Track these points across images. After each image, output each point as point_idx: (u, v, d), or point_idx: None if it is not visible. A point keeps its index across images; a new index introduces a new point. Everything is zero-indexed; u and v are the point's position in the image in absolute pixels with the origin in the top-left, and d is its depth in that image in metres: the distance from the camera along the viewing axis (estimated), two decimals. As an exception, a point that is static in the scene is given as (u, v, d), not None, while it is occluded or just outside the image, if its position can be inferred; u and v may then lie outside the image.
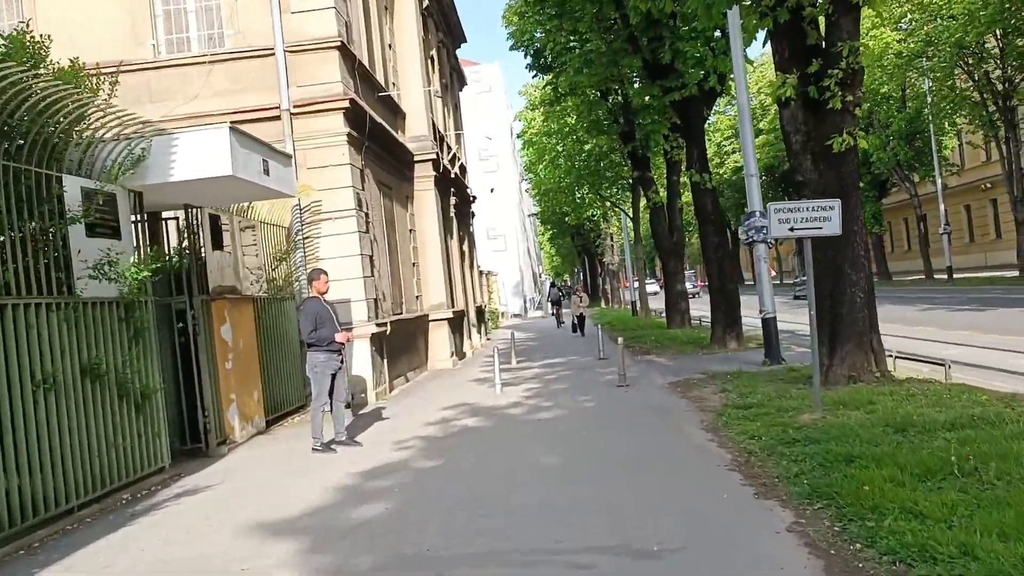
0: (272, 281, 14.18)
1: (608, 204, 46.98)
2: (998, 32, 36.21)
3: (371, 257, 16.19)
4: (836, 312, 11.89)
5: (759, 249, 16.29)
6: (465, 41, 33.00)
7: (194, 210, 11.12)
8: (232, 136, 9.47)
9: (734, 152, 60.86)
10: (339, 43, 15.25)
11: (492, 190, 56.51)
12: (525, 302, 62.03)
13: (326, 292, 10.70)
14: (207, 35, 15.73)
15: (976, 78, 38.34)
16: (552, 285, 51.33)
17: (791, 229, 9.64)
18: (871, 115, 47.15)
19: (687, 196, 29.08)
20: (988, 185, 49.74)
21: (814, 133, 11.94)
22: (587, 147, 37.37)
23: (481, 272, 39.74)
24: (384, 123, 18.15)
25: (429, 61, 24.96)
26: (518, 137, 51.05)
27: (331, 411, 10.72)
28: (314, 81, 15.33)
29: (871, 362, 11.94)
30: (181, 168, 9.38)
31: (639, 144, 28.79)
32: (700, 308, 34.49)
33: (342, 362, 10.69)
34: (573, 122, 35.99)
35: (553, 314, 41.34)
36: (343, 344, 10.58)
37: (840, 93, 11.37)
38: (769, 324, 16.20)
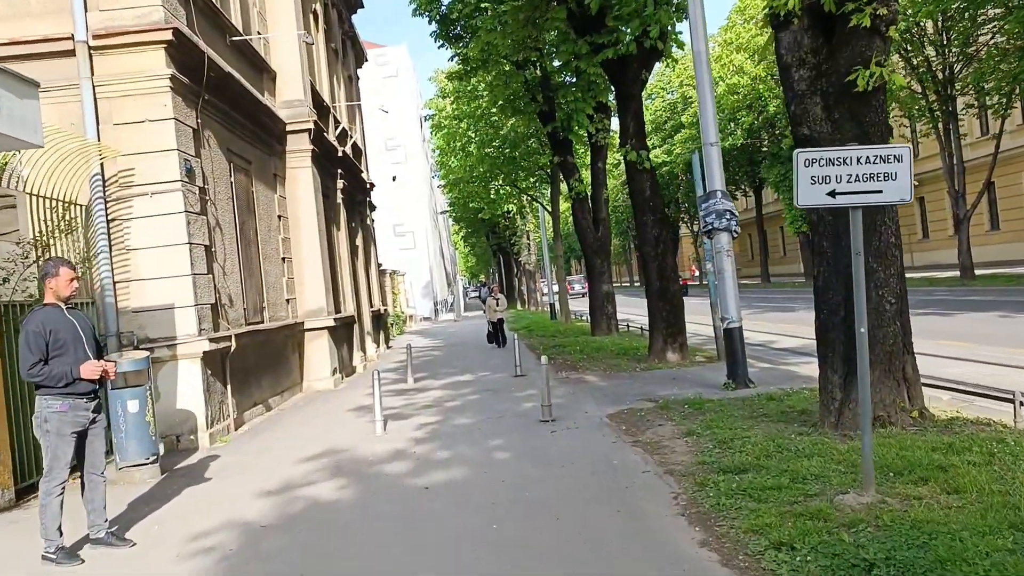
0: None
1: (525, 198, 43.21)
2: (938, 16, 33.74)
3: (208, 248, 11.99)
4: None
5: (720, 240, 12.64)
6: (362, 6, 28.78)
7: None
8: None
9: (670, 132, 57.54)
10: (157, -48, 11.04)
11: (394, 178, 52.12)
12: (436, 305, 57.86)
13: (72, 296, 6.52)
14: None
15: (915, 65, 35.81)
16: (482, 285, 47.14)
17: (832, 194, 5.88)
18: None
19: (614, 182, 25.50)
20: (916, 183, 47.65)
21: (827, 65, 8.26)
22: (502, 132, 33.54)
23: (384, 272, 35.55)
24: (238, 76, 13.94)
25: (312, 16, 20.74)
26: (426, 120, 46.89)
27: (83, 493, 6.59)
28: (124, 4, 11.08)
29: (903, 396, 8.35)
30: None
31: (560, 125, 25.08)
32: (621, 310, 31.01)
33: (98, 411, 6.55)
34: (486, 104, 32.10)
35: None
36: (96, 383, 6.44)
37: (869, 3, 7.73)
38: (734, 336, 12.57)
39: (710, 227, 12.57)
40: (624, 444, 9.11)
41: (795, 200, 5.96)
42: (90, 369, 6.28)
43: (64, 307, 6.46)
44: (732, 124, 50.67)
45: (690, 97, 55.32)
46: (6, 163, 9.31)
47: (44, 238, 9.40)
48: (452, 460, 8.99)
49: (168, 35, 10.99)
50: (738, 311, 12.64)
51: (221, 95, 13.13)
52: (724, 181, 12.79)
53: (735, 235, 12.62)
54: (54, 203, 10.12)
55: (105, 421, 6.66)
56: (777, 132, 49.69)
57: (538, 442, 9.59)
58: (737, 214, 12.72)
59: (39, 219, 9.71)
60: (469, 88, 32.89)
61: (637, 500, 6.80)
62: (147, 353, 9.50)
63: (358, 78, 30.90)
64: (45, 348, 6.21)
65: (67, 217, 10.53)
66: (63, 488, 6.33)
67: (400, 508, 7.19)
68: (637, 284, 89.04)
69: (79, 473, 6.60)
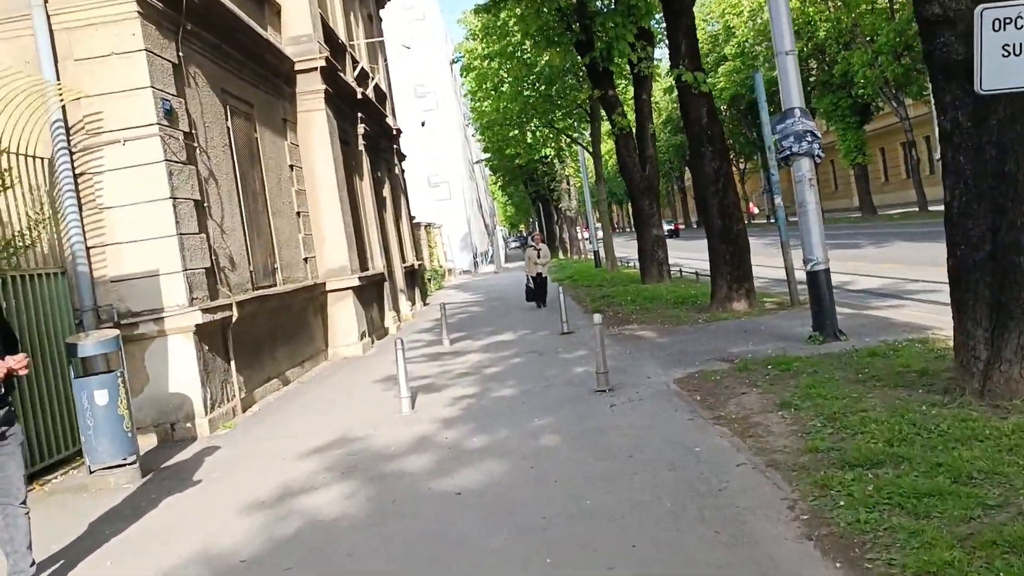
0: (8, 247, 8.26)
1: (563, 140, 40.98)
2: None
3: (199, 203, 10.27)
4: (1003, 268, 6.32)
5: (801, 167, 10.63)
6: (379, -64, 26.67)
7: None
8: None
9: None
10: None
11: (423, 123, 50.03)
12: (475, 257, 56.06)
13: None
14: None
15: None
16: (522, 236, 44.58)
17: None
18: (855, 27, 41.62)
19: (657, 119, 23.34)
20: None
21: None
22: (536, 69, 31.38)
23: (418, 225, 33.80)
24: (230, 4, 12.10)
25: (320, -56, 18.74)
26: (454, 64, 44.67)
27: (-4, 525, 4.94)
28: (76, -86, 9.26)
29: (1070, 353, 6.40)
30: None
31: (599, 56, 22.84)
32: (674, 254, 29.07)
33: (8, 423, 4.86)
34: (517, 39, 29.93)
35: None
36: (0, 386, 4.74)
37: None
38: (820, 280, 10.62)
39: (787, 152, 10.56)
40: (704, 422, 7.29)
41: (977, 84, 4.01)
42: (-13, 366, 4.60)
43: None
44: (779, 52, 47.71)
45: (733, 27, 52.42)
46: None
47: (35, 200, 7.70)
48: (490, 449, 7.25)
49: (131, -52, 9.17)
50: (824, 250, 10.67)
51: (209, 26, 11.31)
52: (803, 96, 10.74)
53: (819, 160, 10.59)
54: (14, 157, 8.45)
55: (21, 435, 4.97)
56: (827, 59, 46.76)
57: (595, 420, 7.81)
58: (819, 135, 10.68)
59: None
60: (499, 24, 30.74)
61: (739, 512, 4.99)
62: (116, 332, 7.85)
63: (380, 19, 28.87)
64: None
65: (28, 173, 8.88)
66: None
67: (421, 529, 5.46)
68: (681, 226, 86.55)
69: (-10, 504, 4.94)
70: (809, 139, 10.41)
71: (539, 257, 20.12)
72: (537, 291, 20.32)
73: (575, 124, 37.58)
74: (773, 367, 9.08)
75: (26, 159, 8.90)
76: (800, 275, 12.64)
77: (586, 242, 52.42)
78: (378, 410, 9.74)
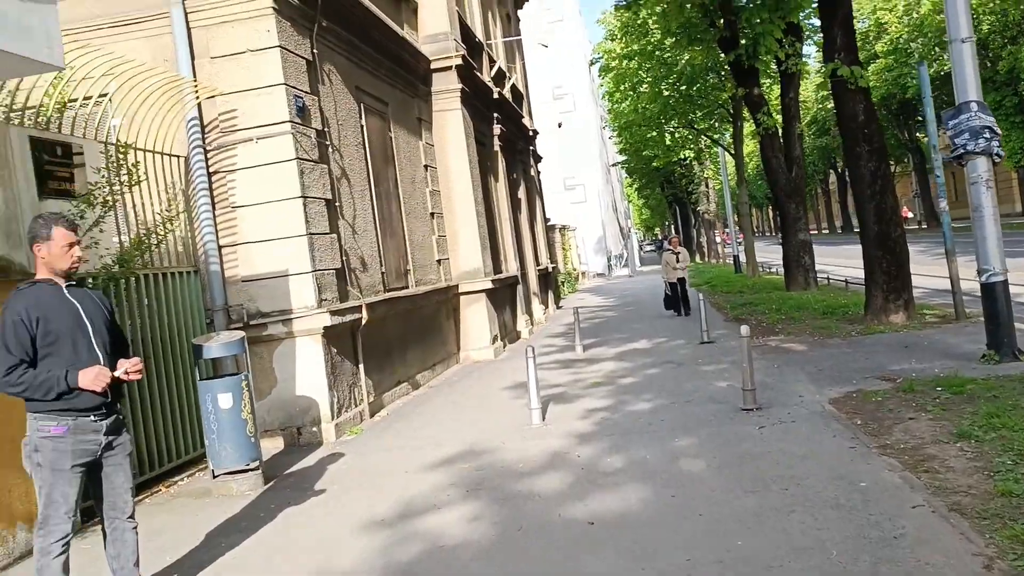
0: (141, 244, 8.21)
1: (703, 141, 39.74)
2: None
3: (330, 202, 10.08)
4: None
5: (977, 167, 9.55)
6: (518, -64, 26.35)
7: None
8: None
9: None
10: None
11: (560, 124, 49.55)
12: (609, 260, 55.23)
13: (74, 268, 4.56)
14: None
15: None
16: (658, 239, 43.27)
17: None
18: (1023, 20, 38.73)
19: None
20: None
21: None
22: (676, 68, 30.43)
23: (552, 227, 33.38)
24: (366, 1, 11.92)
25: (459, -58, 18.51)
26: (592, 65, 44.02)
27: (105, 546, 4.68)
28: (215, -90, 9.19)
29: None
30: None
31: (744, 53, 21.86)
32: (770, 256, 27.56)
33: (116, 431, 4.61)
34: (658, 37, 29.10)
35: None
36: (105, 394, 4.46)
37: None
38: (996, 292, 9.52)
39: (962, 150, 9.50)
40: (867, 451, 6.48)
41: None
42: (92, 378, 4.32)
43: (64, 284, 4.53)
44: (937, 49, 45.02)
45: (885, 23, 49.79)
46: (64, 104, 7.61)
47: (111, 188, 7.62)
48: (627, 472, 6.65)
49: (266, -57, 9.02)
50: (1002, 260, 9.57)
51: (344, 23, 11.14)
52: (980, 88, 9.66)
53: (998, 159, 9.50)
54: (152, 156, 8.42)
55: (129, 446, 4.70)
56: (991, 54, 43.74)
57: (743, 444, 7.09)
58: (999, 131, 9.58)
59: (124, 173, 7.99)
60: (639, 22, 30.00)
61: (921, 569, 4.24)
62: (241, 334, 7.64)
63: (518, 19, 28.60)
64: (31, 344, 4.30)
65: (164, 171, 8.86)
66: (66, 545, 4.42)
67: (549, 565, 4.92)
68: (825, 232, 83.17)
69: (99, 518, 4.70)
70: (987, 136, 9.34)
71: (678, 261, 19.24)
72: (676, 298, 19.39)
73: (716, 125, 36.37)
74: (943, 389, 8.14)
75: (163, 157, 8.88)
76: (967, 285, 11.49)
77: (725, 246, 50.85)
78: (508, 420, 9.28)
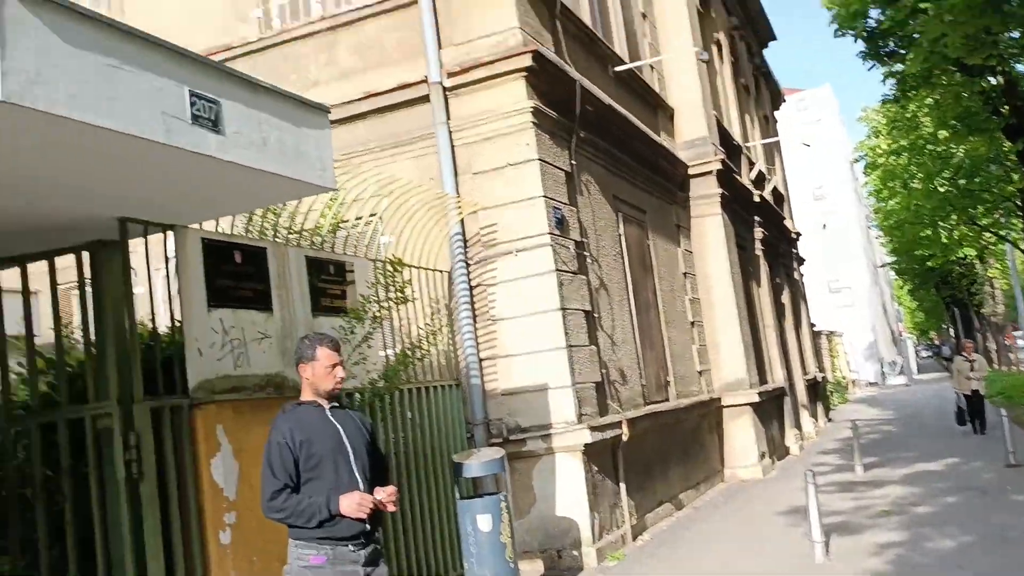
0: (406, 358, 8.27)
1: (987, 237, 36.41)
2: None
3: (589, 314, 9.81)
4: None
5: None
6: (773, 38, 25.85)
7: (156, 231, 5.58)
8: (13, 4, 3.71)
9: None
10: (511, -35, 9.31)
11: (824, 226, 47.37)
12: (882, 367, 51.41)
13: (337, 389, 4.47)
14: (329, -8, 10.52)
15: None
16: (936, 344, 39.59)
17: None
18: None
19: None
20: None
21: None
22: (953, 160, 28.24)
23: (818, 333, 31.52)
24: (623, 111, 11.85)
25: (715, 47, 18.33)
26: (856, 163, 41.97)
27: None
28: (477, 33, 9.47)
29: None
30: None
31: (1035, 139, 19.88)
32: None
33: (374, 562, 4.36)
34: (930, 130, 27.27)
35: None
36: (365, 522, 4.25)
37: None
38: None
39: None
40: None
41: None
42: (354, 505, 4.14)
43: (327, 406, 4.43)
44: None
45: None
46: (338, 224, 7.91)
47: (381, 303, 7.74)
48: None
49: (526, 60, 9.13)
50: None
51: (602, 133, 11.07)
52: None
53: None
54: (417, 273, 8.59)
55: (388, 576, 4.46)
56: None
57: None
58: None
59: (391, 289, 8.16)
60: (908, 116, 28.31)
61: None
62: (501, 452, 7.40)
63: (775, 120, 27.88)
64: (294, 467, 4.20)
65: (429, 286, 9.00)
66: None
67: None
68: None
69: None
70: None
71: (972, 370, 17.22)
72: (971, 412, 17.28)
73: (1002, 219, 33.23)
74: None
75: (427, 272, 9.02)
76: None
77: (1018, 351, 45.92)
78: (786, 552, 8.35)
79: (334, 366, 4.42)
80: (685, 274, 14.31)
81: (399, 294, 7.98)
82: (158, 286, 6.29)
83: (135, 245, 5.87)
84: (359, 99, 9.69)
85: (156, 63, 4.42)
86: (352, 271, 7.75)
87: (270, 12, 10.57)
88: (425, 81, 9.48)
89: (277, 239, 7.19)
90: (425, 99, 9.50)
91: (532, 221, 9.16)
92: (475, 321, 9.21)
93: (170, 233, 5.99)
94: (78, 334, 6.04)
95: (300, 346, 4.49)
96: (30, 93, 3.71)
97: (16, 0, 3.71)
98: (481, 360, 9.13)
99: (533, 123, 9.25)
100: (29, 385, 6.02)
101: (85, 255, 5.85)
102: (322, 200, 7.42)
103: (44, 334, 6.34)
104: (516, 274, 9.17)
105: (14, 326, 6.12)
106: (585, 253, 10.08)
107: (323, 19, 10.06)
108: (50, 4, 3.89)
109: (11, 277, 5.98)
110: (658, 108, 14.50)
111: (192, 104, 4.60)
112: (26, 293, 5.90)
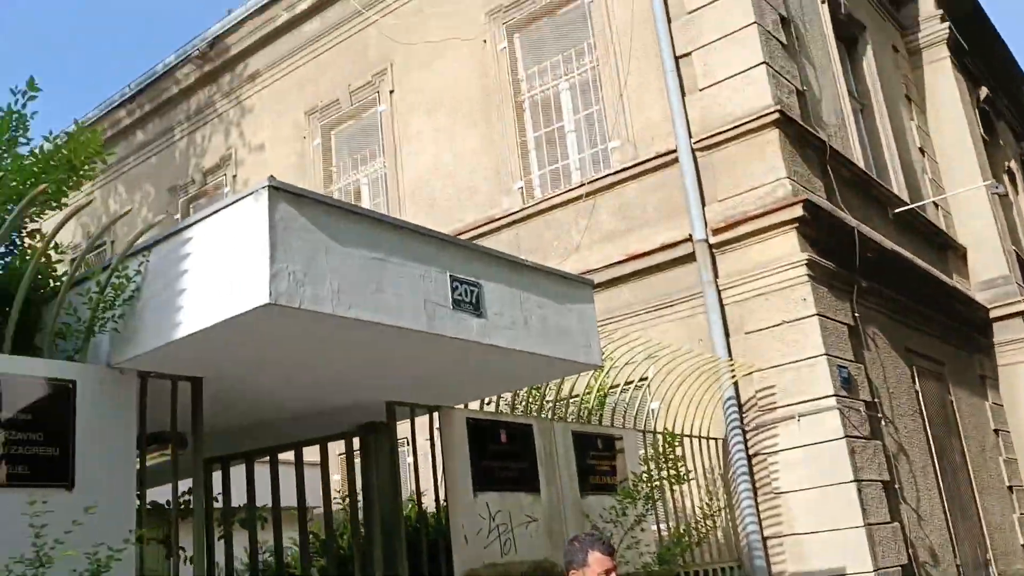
0: (682, 539, 7.60)
1: None
2: None
3: (888, 484, 8.68)
4: None
5: None
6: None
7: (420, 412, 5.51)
8: (282, 207, 3.76)
9: None
10: (776, 113, 8.90)
11: None
12: None
13: (611, 596, 3.99)
14: (588, 157, 10.56)
15: None
16: None
17: None
18: None
19: None
20: None
21: None
22: None
23: None
24: (908, 255, 10.87)
25: (1006, 175, 16.73)
26: None
27: None
28: (742, 186, 9.06)
29: None
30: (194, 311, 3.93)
31: None
32: None
33: None
34: None
35: None
36: None
37: None
38: None
39: None
40: None
41: None
42: None
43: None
44: None
45: None
46: (604, 394, 7.56)
47: (652, 480, 7.18)
48: None
49: (797, 210, 8.56)
50: None
51: (885, 280, 10.12)
52: None
53: None
54: (679, 440, 8.02)
55: None
56: None
57: None
58: None
59: (660, 461, 7.62)
60: None
61: None
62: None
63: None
64: None
65: (702, 455, 8.39)
66: None
67: None
68: None
69: None
70: None
71: None
72: None
73: None
74: None
75: (700, 440, 8.42)
76: None
77: None
78: None
79: (608, 572, 3.96)
80: (996, 431, 12.57)
81: (672, 468, 7.40)
82: (425, 466, 6.19)
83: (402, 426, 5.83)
84: (621, 261, 9.48)
85: (419, 252, 4.37)
86: (621, 444, 7.32)
87: (531, 183, 10.77)
88: (689, 239, 9.14)
89: (542, 414, 6.93)
90: (690, 258, 9.13)
91: (815, 382, 8.35)
92: (756, 494, 8.41)
93: (435, 414, 5.89)
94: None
95: (570, 549, 4.09)
96: (297, 293, 3.70)
97: (286, 203, 3.75)
98: (765, 539, 8.26)
99: (809, 276, 8.57)
100: (301, 566, 6.06)
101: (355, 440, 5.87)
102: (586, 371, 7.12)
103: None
104: (800, 441, 8.32)
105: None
106: (878, 415, 9.03)
107: (583, 185, 10.08)
108: (319, 204, 3.94)
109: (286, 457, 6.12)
110: (946, 248, 13.23)
111: (454, 289, 4.50)
112: (300, 476, 5.97)
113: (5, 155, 3.95)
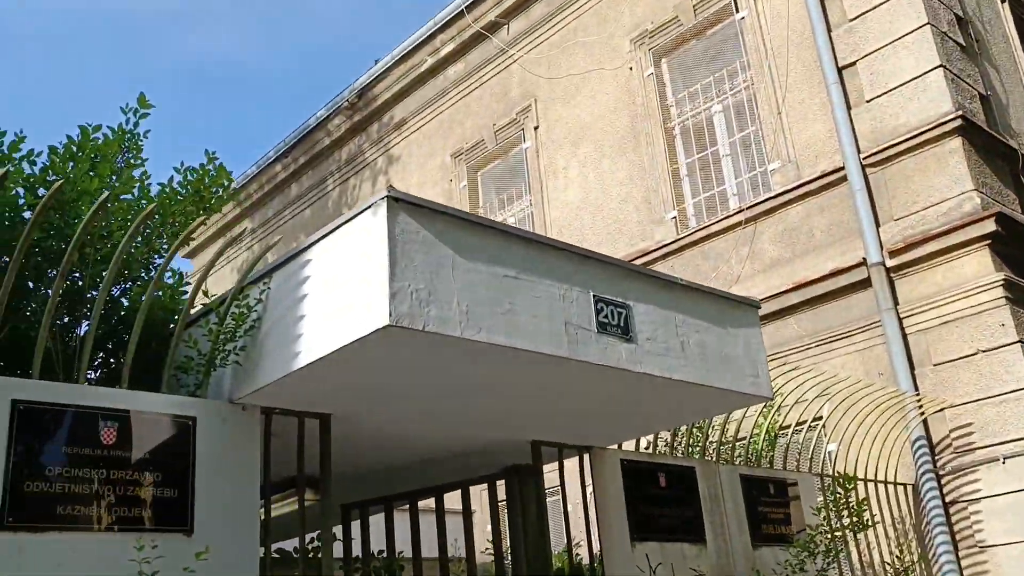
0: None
1: None
2: None
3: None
4: None
5: None
6: None
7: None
8: (403, 219, 3.39)
9: None
10: (958, 120, 8.00)
11: None
12: None
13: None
14: (747, 180, 9.87)
15: None
16: None
17: None
18: None
19: None
20: None
21: None
22: None
23: None
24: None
25: None
26: None
27: None
28: (922, 203, 8.16)
29: None
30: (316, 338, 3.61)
31: None
32: None
33: None
34: None
35: None
36: None
37: None
38: None
39: None
40: None
41: None
42: None
43: None
44: None
45: None
46: (775, 434, 6.80)
47: (833, 531, 6.35)
48: None
49: (989, 225, 7.60)
50: None
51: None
52: None
53: None
54: (861, 485, 7.15)
55: None
56: None
57: None
58: None
59: (837, 508, 6.79)
60: None
61: None
62: None
63: None
64: None
65: (888, 503, 7.48)
66: None
67: None
68: None
69: None
70: None
71: None
72: None
73: None
74: None
75: (885, 486, 7.53)
76: None
77: None
78: None
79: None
80: None
81: (855, 517, 6.55)
82: (576, 513, 5.65)
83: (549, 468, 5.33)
84: (787, 290, 8.72)
85: (557, 268, 3.90)
86: (796, 490, 6.56)
87: (685, 212, 10.17)
88: (863, 263, 8.29)
89: (706, 456, 6.28)
90: (865, 283, 8.28)
91: (1021, 419, 7.31)
92: (956, 548, 7.38)
93: (586, 456, 5.37)
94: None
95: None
96: (421, 314, 3.30)
97: (406, 215, 3.37)
98: (969, 598, 7.23)
99: (1007, 298, 7.56)
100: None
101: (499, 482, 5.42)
102: (754, 406, 6.44)
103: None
104: (1005, 487, 7.28)
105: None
106: (1098, 457, 7.84)
107: (741, 211, 9.40)
108: (443, 216, 3.54)
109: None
110: None
111: (599, 311, 4.01)
112: (441, 523, 5.57)
113: (116, 178, 3.77)
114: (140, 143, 3.96)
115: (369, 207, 3.43)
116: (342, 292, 3.47)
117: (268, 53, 44.76)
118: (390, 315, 3.21)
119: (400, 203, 3.41)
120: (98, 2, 40.62)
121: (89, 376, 4.06)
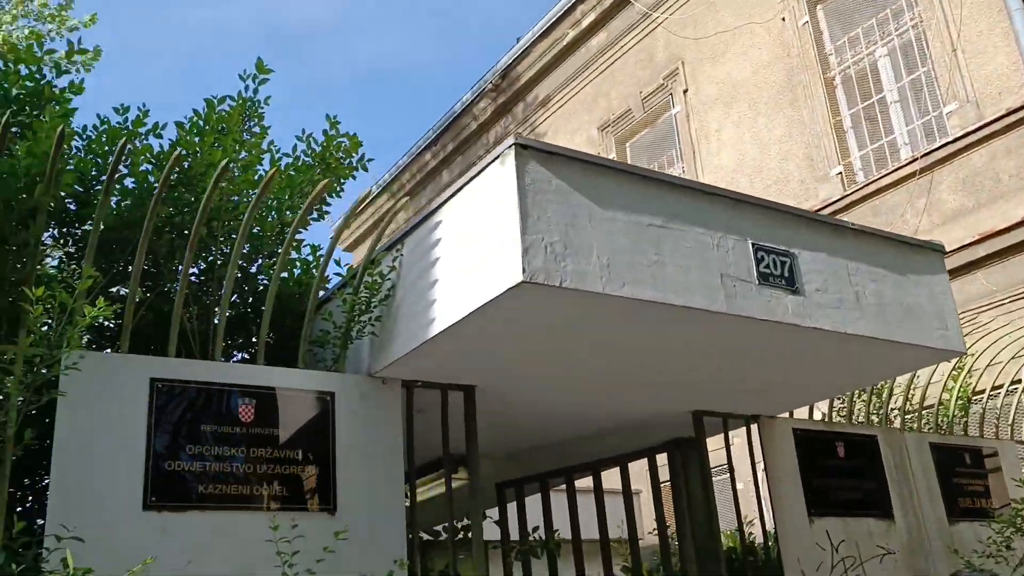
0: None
1: None
2: None
3: None
4: None
5: None
6: None
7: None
8: (533, 167, 3.11)
9: None
10: None
11: None
12: None
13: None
14: (919, 127, 9.03)
15: None
16: None
17: None
18: None
19: None
20: None
21: None
22: None
23: None
24: None
25: None
26: None
27: None
28: None
29: None
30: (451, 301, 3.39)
31: None
32: None
33: None
34: None
35: None
36: None
37: None
38: None
39: None
40: None
41: None
42: None
43: None
44: None
45: None
46: (968, 399, 6.13)
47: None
48: None
49: None
50: None
51: None
52: None
53: None
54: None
55: None
56: None
57: None
58: None
59: None
60: None
61: None
62: None
63: None
64: None
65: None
66: None
67: None
68: None
69: None
70: None
71: None
72: None
73: None
74: None
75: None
76: None
77: None
78: None
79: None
80: None
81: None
82: (747, 489, 5.22)
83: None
84: (973, 243, 7.91)
85: (710, 216, 3.53)
86: (996, 460, 5.89)
87: (852, 166, 9.43)
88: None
89: (887, 423, 5.71)
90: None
91: None
92: None
93: (754, 426, 4.95)
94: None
95: None
96: (557, 269, 3.01)
97: (537, 163, 3.08)
98: None
99: None
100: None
101: (660, 457, 5.08)
102: (942, 368, 5.82)
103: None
104: None
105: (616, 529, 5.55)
106: None
107: (915, 160, 8.61)
108: (577, 162, 3.23)
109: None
110: None
111: (759, 260, 3.60)
112: (600, 501, 5.27)
113: (242, 149, 3.67)
114: (260, 110, 3.86)
115: (496, 158, 3.17)
116: (472, 252, 3.23)
117: (416, 48, 45.46)
118: (523, 271, 2.95)
119: (529, 150, 3.13)
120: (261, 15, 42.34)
121: (234, 355, 4.00)
